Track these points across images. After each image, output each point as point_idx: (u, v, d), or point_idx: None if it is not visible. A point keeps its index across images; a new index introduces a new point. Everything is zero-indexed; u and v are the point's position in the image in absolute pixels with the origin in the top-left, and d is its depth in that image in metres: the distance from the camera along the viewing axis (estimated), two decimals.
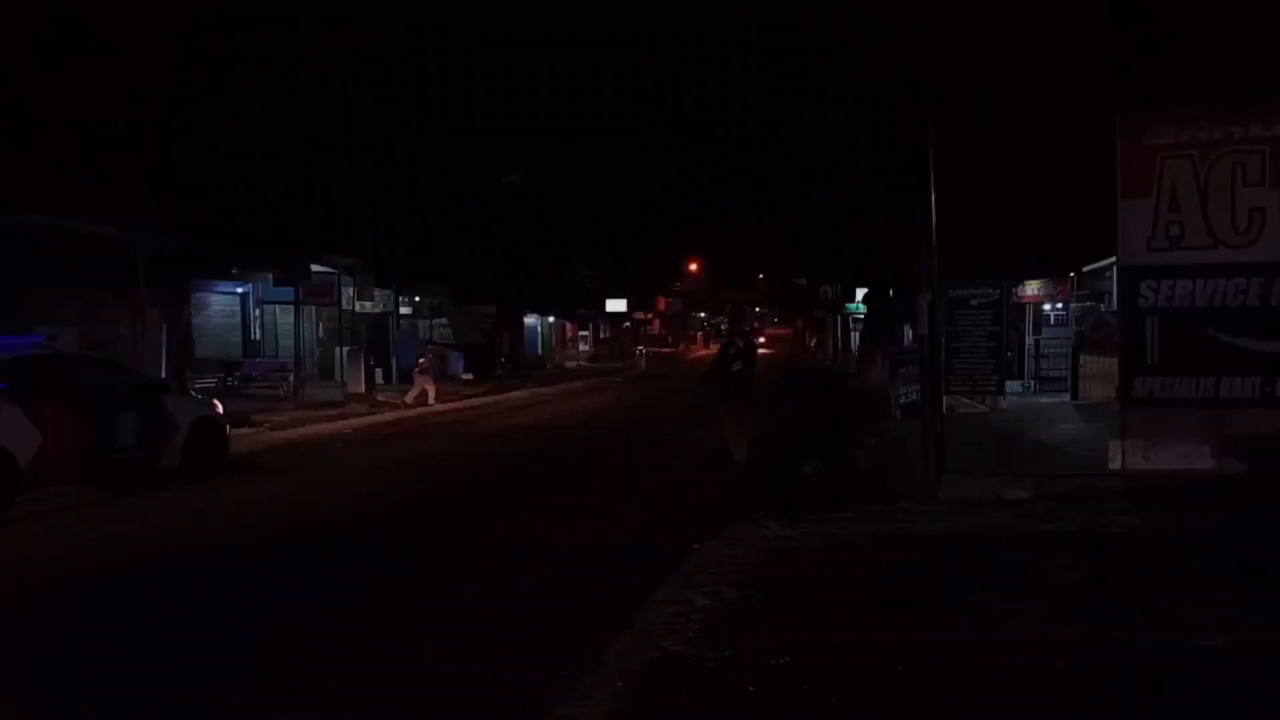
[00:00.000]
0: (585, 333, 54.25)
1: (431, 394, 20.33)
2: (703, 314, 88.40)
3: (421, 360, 21.26)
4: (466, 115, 34.65)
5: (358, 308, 24.19)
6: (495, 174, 34.07)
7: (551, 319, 46.71)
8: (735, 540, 6.44)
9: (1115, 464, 7.70)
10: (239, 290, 23.60)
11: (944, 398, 9.22)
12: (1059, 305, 19.03)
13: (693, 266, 79.34)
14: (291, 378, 20.32)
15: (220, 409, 10.72)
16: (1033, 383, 17.58)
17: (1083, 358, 15.24)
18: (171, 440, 9.61)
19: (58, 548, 7.11)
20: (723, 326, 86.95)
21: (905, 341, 19.38)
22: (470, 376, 28.01)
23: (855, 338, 35.06)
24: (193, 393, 15.27)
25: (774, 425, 12.33)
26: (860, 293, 33.62)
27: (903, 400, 13.31)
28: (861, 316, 33.53)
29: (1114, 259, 9.04)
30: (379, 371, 23.90)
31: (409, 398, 20.21)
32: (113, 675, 4.38)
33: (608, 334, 58.18)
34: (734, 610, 4.86)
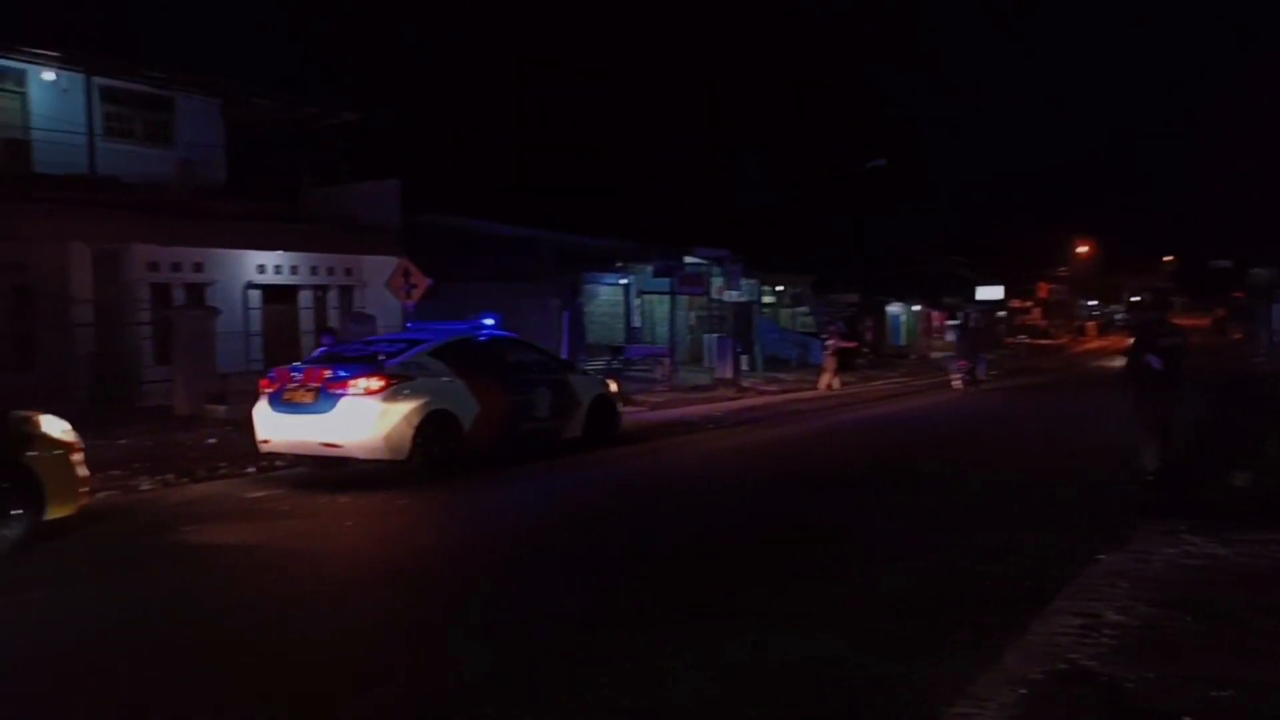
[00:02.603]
0: (953, 322, 51.22)
1: (829, 380, 21.14)
2: (1092, 301, 78.94)
3: (830, 342, 22.04)
4: (828, 102, 34.46)
5: (725, 297, 25.28)
6: (858, 161, 33.46)
7: (916, 307, 44.87)
8: (1148, 553, 5.75)
9: None
10: (622, 281, 25.88)
11: None
12: None
13: (1082, 249, 70.67)
14: (666, 362, 21.86)
15: (614, 388, 11.91)
16: None
17: None
18: (575, 414, 10.90)
19: (549, 490, 8.54)
20: (1117, 317, 76.91)
21: None
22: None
23: None
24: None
25: (1190, 428, 10.72)
26: None
27: None
28: None
29: None
30: (744, 359, 24.77)
31: (822, 384, 21.12)
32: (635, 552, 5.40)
33: (978, 322, 54.27)
34: (1153, 630, 4.36)
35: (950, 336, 49.40)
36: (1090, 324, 71.75)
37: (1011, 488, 8.53)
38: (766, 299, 32.57)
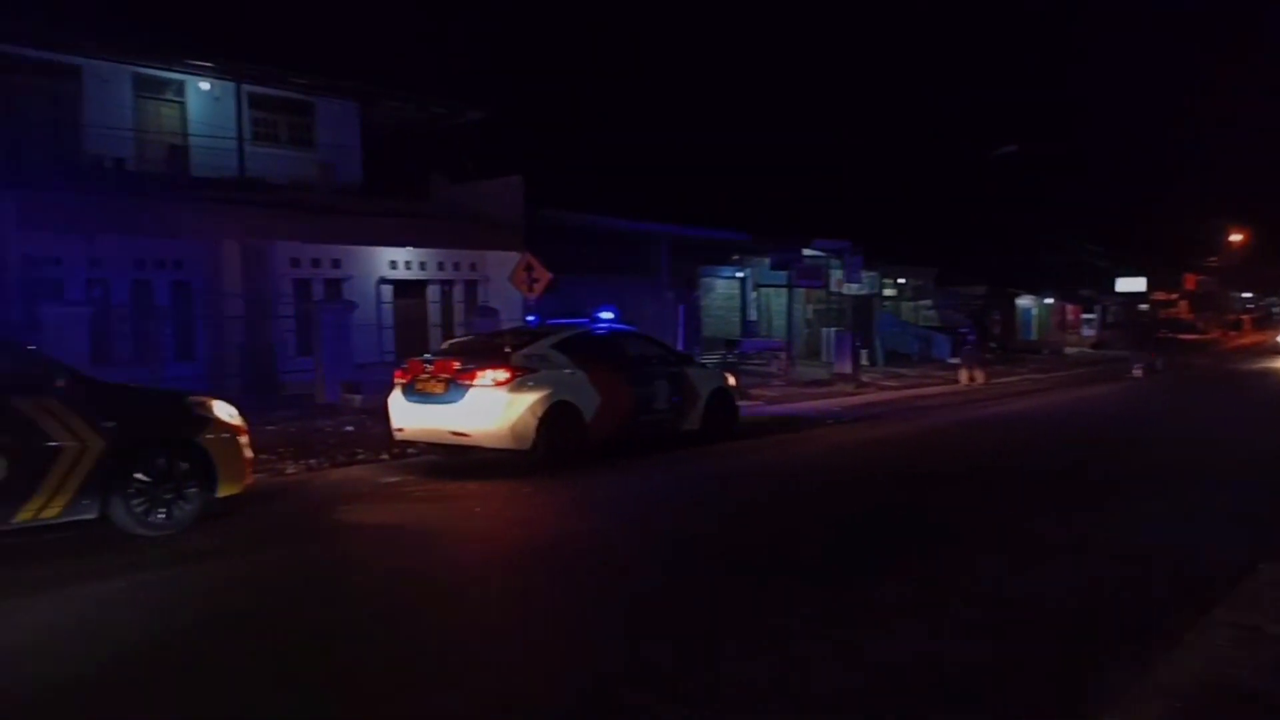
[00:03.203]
0: (1090, 315, 48.52)
1: (973, 374, 20.68)
2: (1246, 294, 73.14)
3: (971, 338, 21.64)
4: (956, 86, 33.20)
5: (844, 289, 24.78)
6: (987, 147, 32.10)
7: (1049, 300, 42.74)
8: None
9: None
10: (739, 275, 25.74)
11: None
12: None
13: (1236, 238, 65.45)
14: (783, 356, 21.62)
15: (733, 381, 11.88)
16: None
17: None
18: (694, 407, 10.93)
19: (671, 481, 8.65)
20: (1276, 309, 70.87)
21: None
22: (957, 361, 26.94)
23: None
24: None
25: None
26: None
27: None
28: None
29: None
30: (863, 353, 24.23)
31: (964, 380, 20.64)
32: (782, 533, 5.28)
33: (1117, 316, 51.19)
34: None
35: (1088, 331, 46.90)
36: (1245, 317, 66.50)
37: (1171, 487, 8.11)
38: (887, 292, 31.72)
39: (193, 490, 6.48)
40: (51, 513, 5.86)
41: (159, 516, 6.30)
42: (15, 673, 4.04)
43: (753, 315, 26.16)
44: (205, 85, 18.24)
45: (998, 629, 4.49)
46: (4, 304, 12.72)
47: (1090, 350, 40.71)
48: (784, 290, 24.23)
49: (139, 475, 6.20)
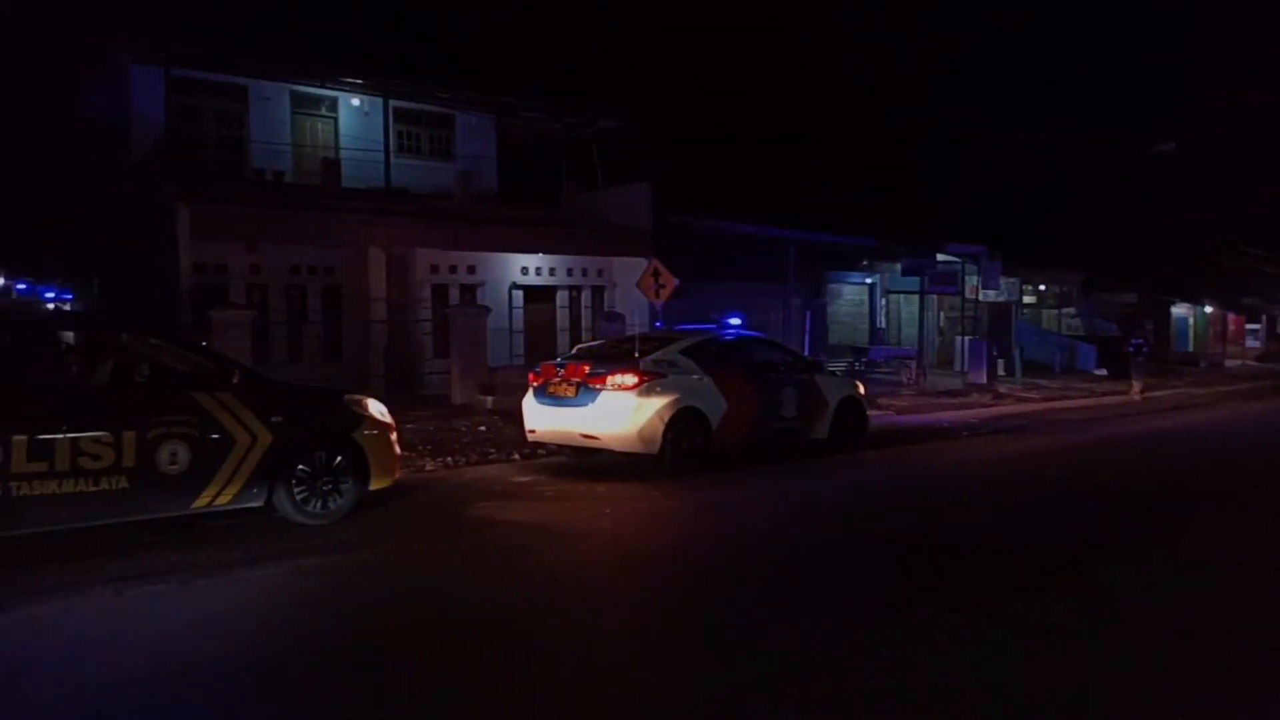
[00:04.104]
0: (1255, 325, 44.83)
1: (1133, 387, 19.77)
2: None
3: (1146, 349, 20.68)
4: (1106, 82, 31.40)
5: (980, 296, 23.85)
6: (1139, 145, 30.20)
7: (1208, 309, 39.76)
8: None
9: None
10: (867, 280, 25.17)
11: None
12: None
13: None
14: (913, 365, 20.99)
15: (863, 390, 11.66)
16: None
17: None
18: (822, 415, 10.79)
19: (800, 490, 8.64)
20: None
21: None
22: (1104, 372, 25.47)
23: None
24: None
25: None
26: None
27: None
28: None
29: None
30: (1000, 363, 23.25)
31: (1135, 393, 19.87)
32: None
33: None
34: None
35: (1252, 343, 43.34)
36: None
37: None
38: (1027, 299, 30.30)
39: (347, 483, 6.91)
40: (224, 500, 6.38)
41: (317, 507, 6.75)
42: (198, 648, 4.43)
43: (881, 322, 25.53)
44: (355, 101, 19.36)
45: (1155, 651, 4.25)
46: (179, 307, 13.88)
47: (1255, 363, 37.63)
48: (915, 297, 23.54)
49: (301, 467, 6.67)
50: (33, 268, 25.24)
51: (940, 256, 22.42)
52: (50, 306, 21.60)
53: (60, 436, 5.67)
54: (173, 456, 6.06)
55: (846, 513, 7.73)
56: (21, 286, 26.10)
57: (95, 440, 5.78)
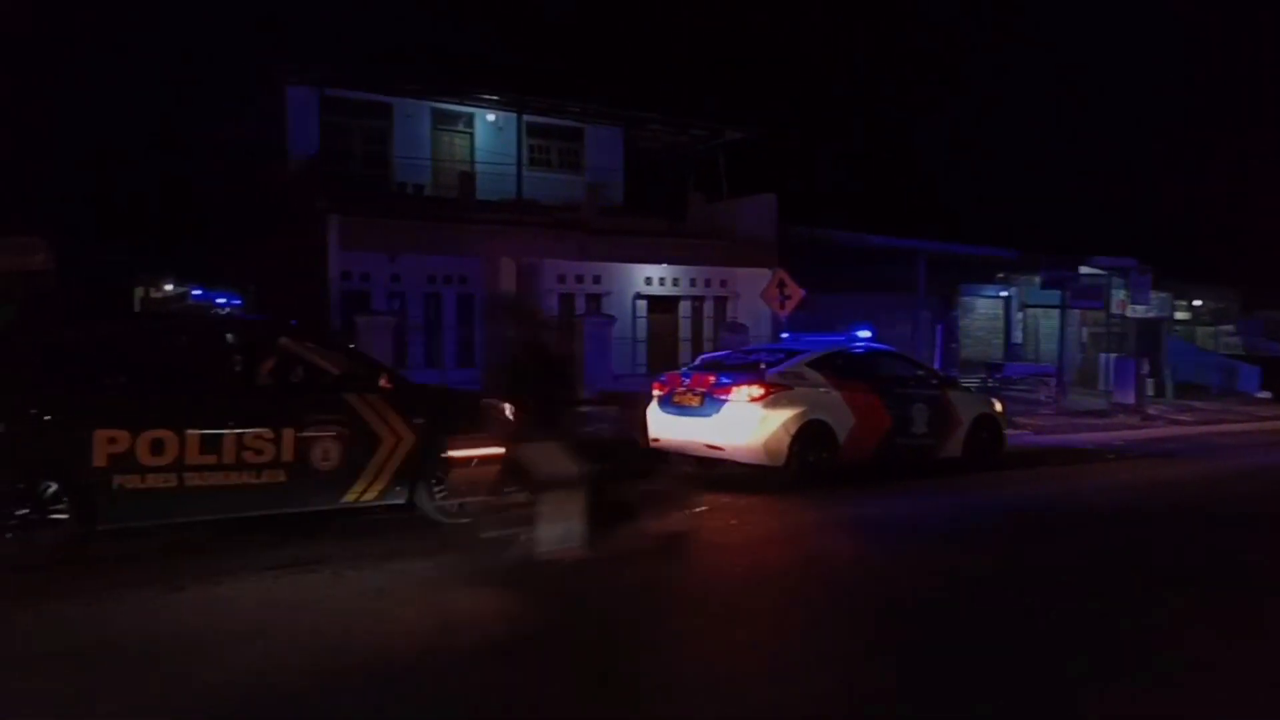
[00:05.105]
0: None
1: None
2: None
3: None
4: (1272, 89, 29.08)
5: (1128, 312, 22.44)
6: None
7: None
8: None
9: None
10: (1003, 294, 24.14)
11: None
12: None
13: None
14: (1053, 383, 19.96)
15: (999, 408, 11.17)
16: None
17: None
18: (955, 433, 10.40)
19: (932, 510, 8.43)
20: None
21: None
22: (1267, 395, 23.49)
23: None
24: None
25: None
26: None
27: None
28: None
29: None
30: (1149, 382, 21.80)
31: None
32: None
33: None
34: None
35: None
36: None
37: None
38: (1180, 315, 28.30)
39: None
40: (370, 496, 6.73)
41: (455, 506, 7.02)
42: (344, 633, 4.69)
43: (1017, 337, 24.41)
44: (491, 116, 20.11)
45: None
46: (328, 313, 14.76)
47: None
48: (1055, 311, 22.35)
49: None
50: (205, 275, 27.42)
51: (1084, 269, 21.24)
52: (221, 311, 23.37)
53: (228, 432, 6.12)
54: (325, 453, 6.44)
55: (973, 535, 7.43)
56: (197, 292, 28.39)
57: (258, 436, 6.21)
